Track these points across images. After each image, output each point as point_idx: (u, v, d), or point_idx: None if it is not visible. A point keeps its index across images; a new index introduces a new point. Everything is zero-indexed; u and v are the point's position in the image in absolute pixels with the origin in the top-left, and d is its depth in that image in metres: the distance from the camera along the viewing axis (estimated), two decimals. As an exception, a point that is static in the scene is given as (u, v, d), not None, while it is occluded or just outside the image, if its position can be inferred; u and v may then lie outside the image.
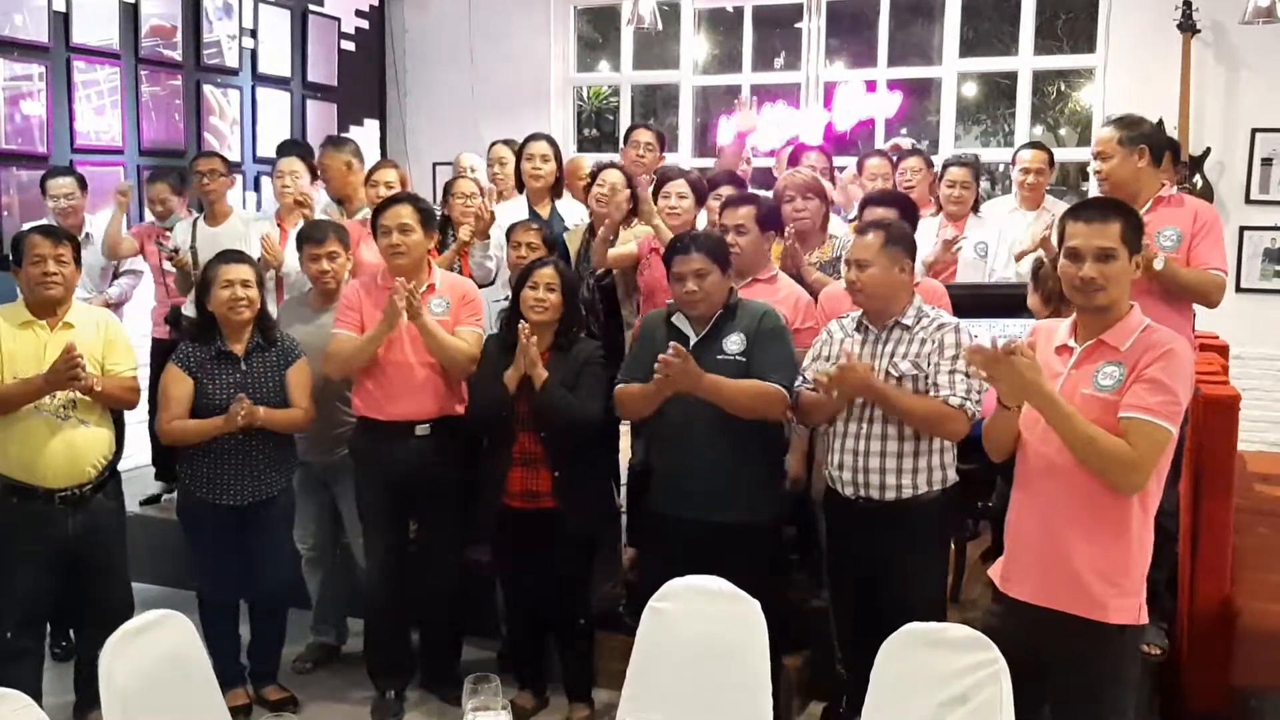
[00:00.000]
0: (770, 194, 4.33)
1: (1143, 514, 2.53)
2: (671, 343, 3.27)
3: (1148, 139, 3.67)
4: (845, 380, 3.12)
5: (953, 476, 3.28)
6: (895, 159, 5.32)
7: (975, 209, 5.05)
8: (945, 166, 5.14)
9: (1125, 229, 2.53)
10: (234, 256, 3.88)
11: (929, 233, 4.77)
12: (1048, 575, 2.59)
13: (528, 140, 4.84)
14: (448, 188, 4.87)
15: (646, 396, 3.40)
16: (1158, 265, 3.45)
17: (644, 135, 5.07)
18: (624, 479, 4.52)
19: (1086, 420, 2.47)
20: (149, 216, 5.54)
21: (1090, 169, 3.71)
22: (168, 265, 5.08)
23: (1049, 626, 2.57)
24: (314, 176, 5.10)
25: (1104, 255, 2.51)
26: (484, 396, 3.70)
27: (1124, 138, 3.67)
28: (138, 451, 5.16)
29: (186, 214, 5.33)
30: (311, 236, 4.14)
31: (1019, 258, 4.75)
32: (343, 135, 6.52)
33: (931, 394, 3.15)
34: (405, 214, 3.79)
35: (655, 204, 4.31)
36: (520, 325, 3.58)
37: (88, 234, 5.28)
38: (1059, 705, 2.62)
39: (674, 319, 3.48)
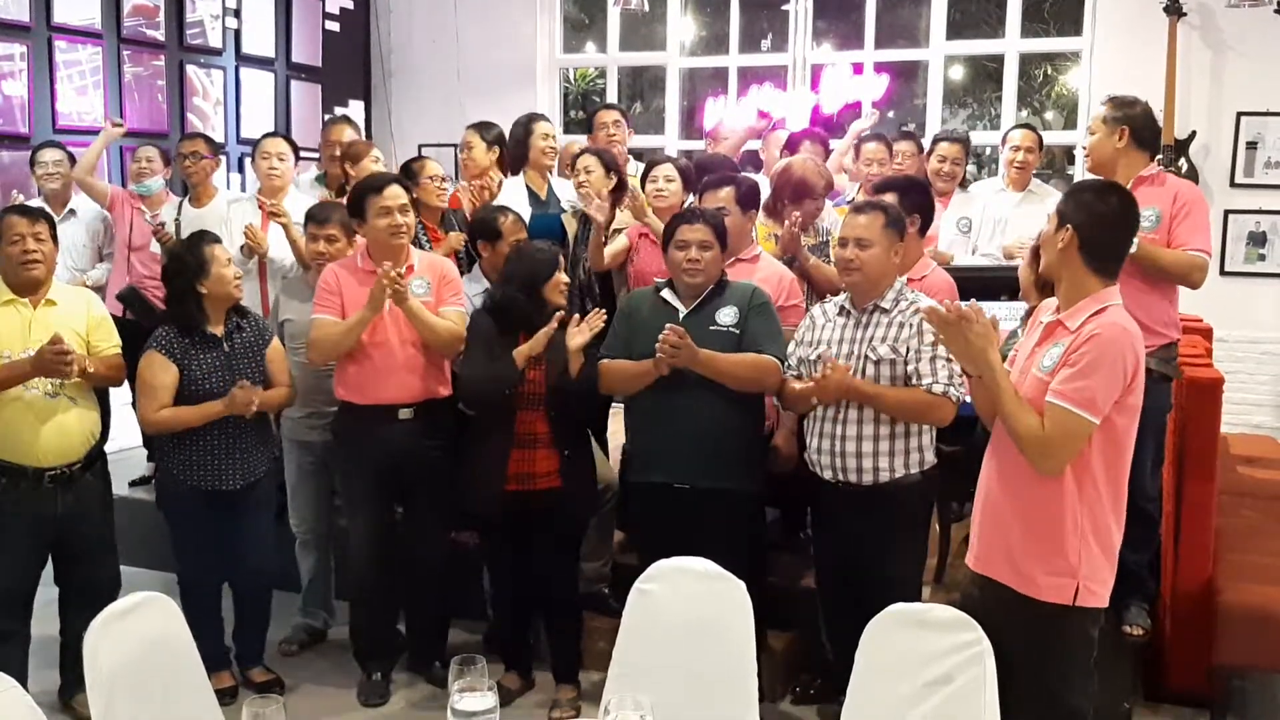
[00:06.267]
0: (755, 174, 4.32)
1: (1079, 498, 2.49)
2: (669, 324, 3.33)
3: (1129, 120, 3.67)
4: (825, 387, 3.13)
5: (930, 459, 3.31)
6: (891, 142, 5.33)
7: (963, 186, 5.06)
8: (936, 141, 5.14)
9: (1062, 204, 2.57)
10: (215, 238, 3.87)
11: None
12: (990, 545, 2.64)
13: (535, 120, 4.81)
14: (406, 171, 4.68)
15: (638, 374, 3.46)
16: (1131, 248, 3.45)
17: (609, 115, 5.16)
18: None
19: (1020, 398, 2.50)
20: (130, 185, 5.49)
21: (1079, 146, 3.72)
22: (153, 246, 5.05)
23: (996, 598, 2.59)
24: (298, 159, 5.08)
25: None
26: (486, 374, 3.64)
27: (1108, 116, 3.69)
28: (123, 434, 5.13)
29: (166, 195, 5.29)
30: (315, 216, 4.14)
31: (1008, 256, 4.76)
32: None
33: (914, 381, 3.17)
34: (402, 194, 3.82)
35: (644, 189, 4.33)
36: (558, 314, 3.62)
37: (72, 209, 5.25)
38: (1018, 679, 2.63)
39: (663, 293, 3.54)
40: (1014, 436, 2.50)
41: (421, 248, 4.44)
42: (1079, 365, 2.43)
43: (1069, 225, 2.52)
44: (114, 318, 4.49)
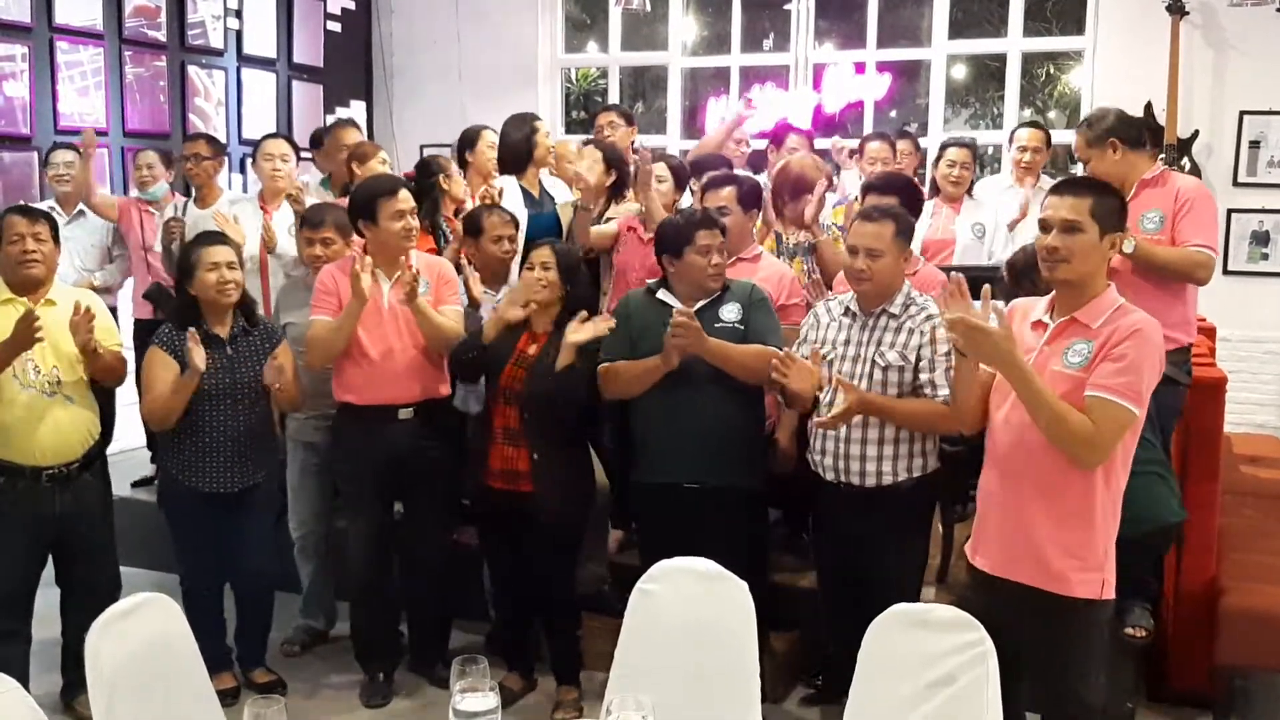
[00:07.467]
0: (755, 174, 4.32)
1: (1106, 491, 2.55)
2: (679, 307, 3.34)
3: (1113, 131, 3.68)
4: (849, 412, 3.11)
5: (934, 463, 3.30)
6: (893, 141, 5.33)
7: (969, 191, 5.05)
8: (944, 147, 5.13)
9: (1097, 205, 2.54)
10: (215, 239, 3.83)
11: (922, 215, 4.78)
12: (1012, 548, 2.63)
13: (535, 119, 4.81)
14: (425, 170, 4.72)
15: (642, 374, 3.43)
16: (1127, 248, 3.45)
17: (604, 117, 5.29)
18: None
19: (1056, 395, 2.49)
20: (133, 191, 5.49)
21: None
22: (156, 245, 5.05)
23: (1014, 600, 2.60)
24: (299, 159, 5.08)
25: (1068, 227, 2.54)
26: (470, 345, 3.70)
27: (1090, 139, 3.71)
28: (126, 435, 5.13)
29: (171, 195, 5.30)
30: (309, 220, 4.13)
31: (1011, 226, 4.77)
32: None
33: (926, 391, 3.15)
34: (410, 198, 3.82)
35: (634, 187, 4.34)
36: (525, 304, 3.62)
37: (81, 210, 5.26)
38: (1035, 680, 2.64)
39: (659, 294, 3.53)
40: (1055, 434, 2.48)
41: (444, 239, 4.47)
42: (1125, 360, 2.45)
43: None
44: (145, 320, 4.52)
